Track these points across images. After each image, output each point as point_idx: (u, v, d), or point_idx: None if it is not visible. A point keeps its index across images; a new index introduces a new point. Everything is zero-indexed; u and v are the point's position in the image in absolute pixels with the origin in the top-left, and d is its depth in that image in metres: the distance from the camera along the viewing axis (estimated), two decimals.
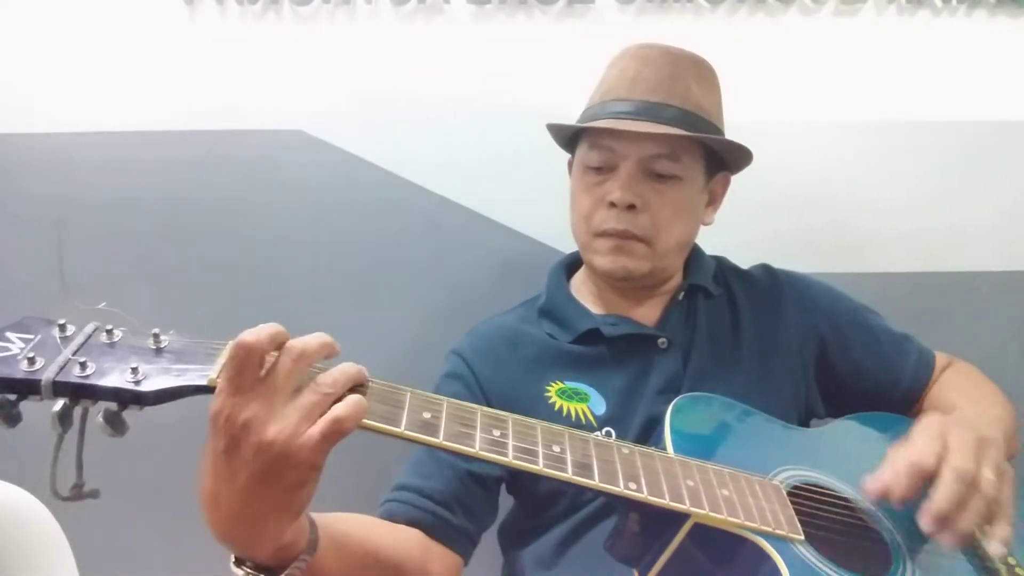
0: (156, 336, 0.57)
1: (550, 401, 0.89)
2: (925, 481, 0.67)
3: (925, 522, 0.66)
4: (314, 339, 0.55)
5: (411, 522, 0.81)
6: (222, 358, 0.56)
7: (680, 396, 0.80)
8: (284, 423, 0.52)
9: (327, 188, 1.29)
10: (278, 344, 0.53)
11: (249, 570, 0.57)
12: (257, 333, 0.52)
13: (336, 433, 0.53)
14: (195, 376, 0.55)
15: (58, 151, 1.26)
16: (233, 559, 0.57)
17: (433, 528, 0.81)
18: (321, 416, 0.53)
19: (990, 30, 1.28)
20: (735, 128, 0.96)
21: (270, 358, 0.53)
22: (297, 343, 0.54)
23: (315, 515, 0.62)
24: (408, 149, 1.29)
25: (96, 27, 1.24)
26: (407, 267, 1.31)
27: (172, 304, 1.28)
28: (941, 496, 0.65)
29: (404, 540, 0.78)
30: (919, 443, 0.70)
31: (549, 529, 0.88)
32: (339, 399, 0.55)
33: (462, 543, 0.84)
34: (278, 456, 0.52)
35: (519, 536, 0.92)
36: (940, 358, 0.99)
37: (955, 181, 1.31)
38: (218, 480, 0.54)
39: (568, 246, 1.03)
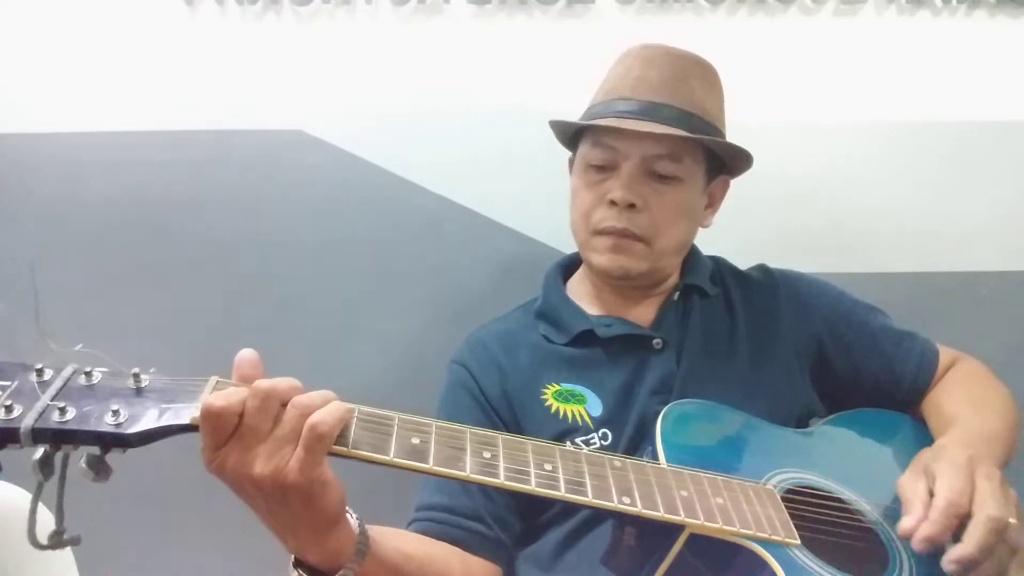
0: (136, 376, 0.56)
1: (547, 404, 0.89)
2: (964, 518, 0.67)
3: (951, 563, 0.65)
4: (282, 380, 0.56)
5: (449, 541, 0.82)
6: (205, 394, 0.56)
7: (670, 404, 0.80)
8: (264, 458, 0.54)
9: (327, 188, 1.29)
10: (256, 397, 0.54)
11: (303, 574, 0.60)
12: (227, 398, 0.53)
13: (316, 440, 0.54)
14: (179, 415, 0.55)
15: (58, 151, 1.26)
16: (293, 559, 0.61)
17: (471, 544, 0.83)
18: (297, 435, 0.54)
19: (990, 30, 1.28)
20: (735, 128, 0.96)
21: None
22: (264, 383, 0.55)
23: (370, 527, 0.63)
24: (408, 149, 1.29)
25: (96, 27, 1.24)
26: (407, 267, 1.31)
27: (172, 304, 1.28)
28: (974, 544, 0.65)
29: (446, 556, 0.80)
30: (951, 480, 0.69)
31: (545, 533, 0.88)
32: None
33: (499, 552, 0.86)
34: (273, 487, 0.54)
35: (516, 539, 0.92)
36: (945, 355, 0.98)
37: (955, 181, 1.31)
38: (249, 505, 0.58)
39: (568, 246, 1.03)
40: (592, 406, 0.89)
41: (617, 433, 0.87)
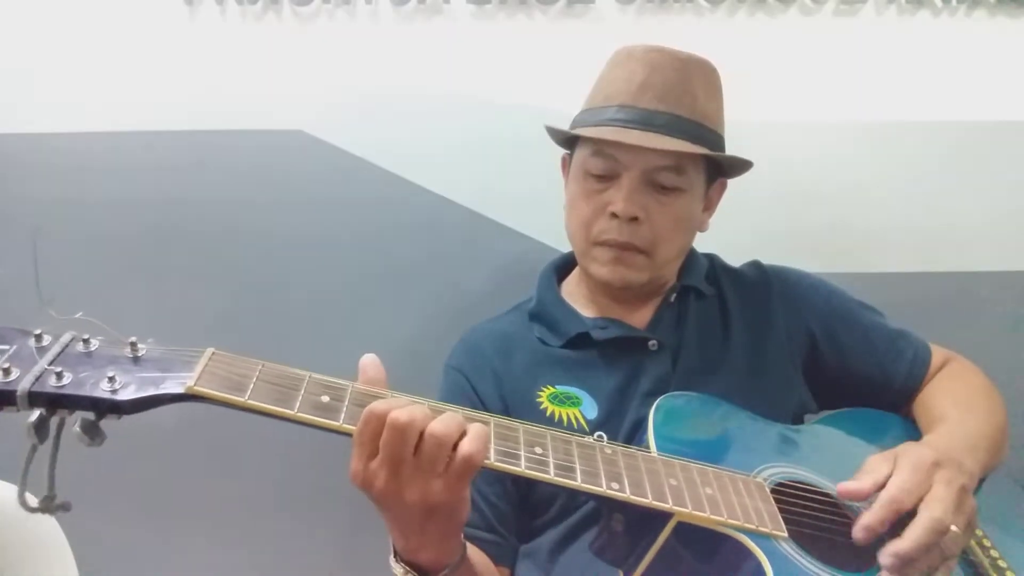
0: (133, 345, 0.57)
1: (542, 407, 0.89)
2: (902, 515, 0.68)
3: (886, 556, 0.66)
4: (417, 411, 0.57)
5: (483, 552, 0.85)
6: (199, 366, 0.57)
7: (664, 395, 0.80)
8: (414, 484, 0.57)
9: (327, 188, 1.29)
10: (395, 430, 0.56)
11: (407, 567, 0.64)
12: (411, 415, 0.56)
13: (470, 470, 0.58)
14: (173, 384, 0.55)
15: (59, 151, 1.26)
16: (393, 555, 0.65)
17: (493, 555, 0.85)
18: (445, 464, 0.57)
19: (990, 30, 1.28)
20: (734, 127, 0.96)
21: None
22: (401, 415, 0.56)
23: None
24: (408, 149, 1.29)
25: (96, 27, 1.24)
26: (406, 267, 1.31)
27: (172, 304, 1.28)
28: (910, 540, 0.66)
29: (492, 570, 0.84)
30: (904, 477, 0.70)
31: (542, 533, 0.88)
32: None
33: (513, 557, 0.89)
34: (422, 507, 0.58)
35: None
36: (937, 354, 0.98)
37: (955, 181, 1.31)
38: (384, 514, 0.61)
39: (567, 246, 1.03)
40: (587, 408, 0.88)
41: (612, 435, 0.86)
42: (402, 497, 0.57)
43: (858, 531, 0.68)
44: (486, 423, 0.62)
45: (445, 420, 0.57)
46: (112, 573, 1.21)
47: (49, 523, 0.88)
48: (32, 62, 1.25)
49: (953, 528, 0.67)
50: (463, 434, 0.58)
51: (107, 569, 1.16)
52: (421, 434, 0.56)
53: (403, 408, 0.57)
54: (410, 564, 0.64)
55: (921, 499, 0.69)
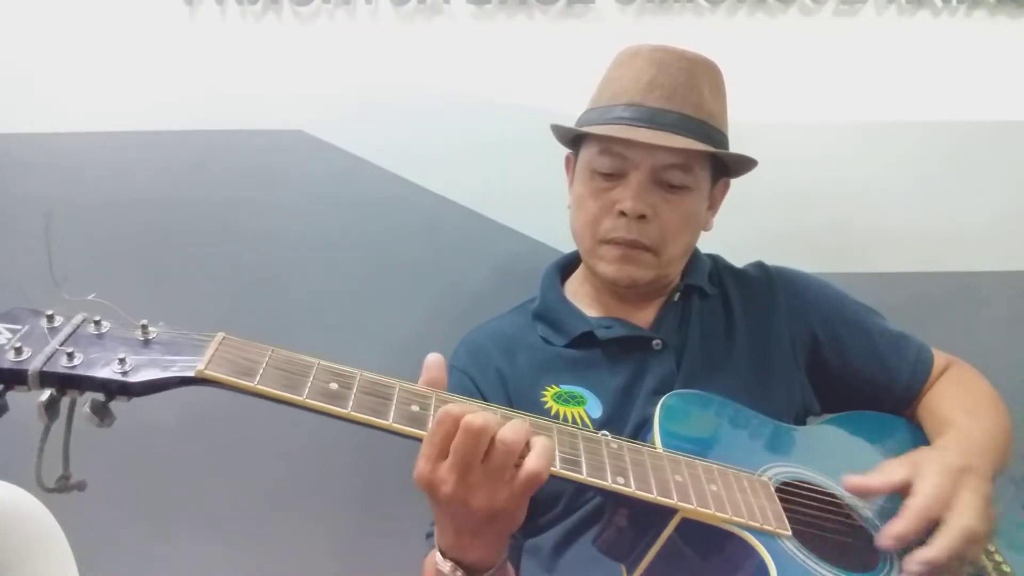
0: (144, 327, 0.58)
1: (547, 406, 0.89)
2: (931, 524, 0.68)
3: (915, 564, 0.66)
4: (490, 417, 0.58)
5: None
6: (210, 350, 0.57)
7: (669, 393, 0.80)
8: (481, 491, 0.58)
9: (327, 188, 1.29)
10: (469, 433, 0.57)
11: (455, 564, 0.64)
12: (486, 419, 0.57)
13: (535, 485, 0.59)
14: (182, 368, 0.56)
15: (58, 151, 1.26)
16: (439, 552, 0.65)
17: (512, 556, 0.85)
18: (511, 473, 0.59)
19: (990, 30, 1.28)
20: (735, 127, 0.96)
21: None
22: (476, 419, 0.57)
23: None
24: (408, 149, 1.29)
25: (96, 27, 1.24)
26: (407, 267, 1.31)
27: (172, 304, 1.28)
28: (940, 549, 0.66)
29: None
30: (934, 483, 0.70)
31: (546, 531, 0.88)
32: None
33: (520, 559, 0.90)
34: (486, 516, 0.59)
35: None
36: (939, 358, 0.98)
37: (955, 181, 1.31)
38: (440, 517, 0.62)
39: (567, 246, 1.03)
40: (592, 408, 0.88)
41: (617, 434, 0.86)
42: (468, 503, 0.58)
43: (885, 539, 0.68)
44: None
45: (515, 427, 0.58)
46: (112, 573, 1.21)
47: (49, 523, 0.88)
48: (32, 62, 1.25)
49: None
50: (528, 443, 0.59)
51: (107, 569, 1.16)
52: (492, 440, 0.57)
53: (478, 412, 0.57)
54: (456, 562, 0.64)
55: (948, 506, 0.68)
